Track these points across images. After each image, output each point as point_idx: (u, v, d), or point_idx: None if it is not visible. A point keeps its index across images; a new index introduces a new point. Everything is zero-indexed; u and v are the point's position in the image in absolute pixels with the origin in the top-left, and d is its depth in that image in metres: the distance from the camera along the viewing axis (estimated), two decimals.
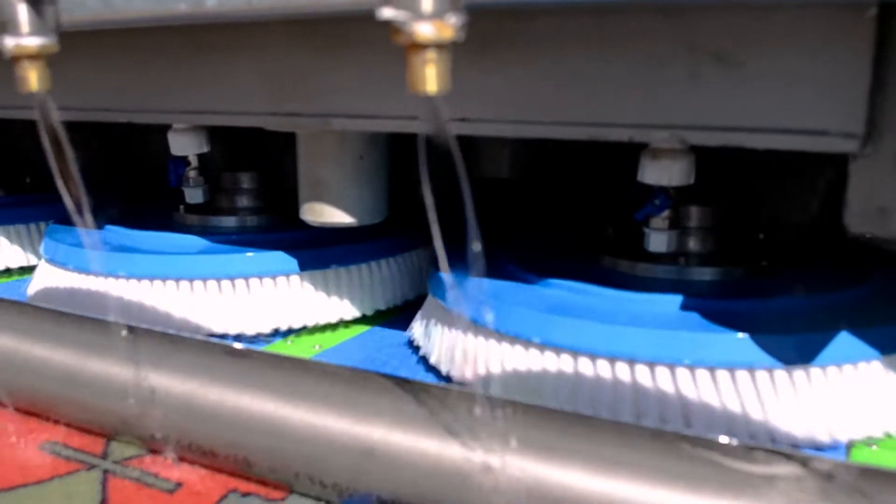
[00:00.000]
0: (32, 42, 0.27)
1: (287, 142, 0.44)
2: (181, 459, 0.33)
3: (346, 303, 0.48)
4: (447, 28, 0.21)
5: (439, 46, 0.21)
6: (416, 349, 0.44)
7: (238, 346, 0.34)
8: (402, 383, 0.30)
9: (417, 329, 0.45)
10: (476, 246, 0.26)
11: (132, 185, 0.70)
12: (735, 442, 0.26)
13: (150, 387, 0.33)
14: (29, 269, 0.61)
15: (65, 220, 0.57)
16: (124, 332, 0.35)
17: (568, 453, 0.27)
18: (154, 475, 0.33)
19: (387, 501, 0.29)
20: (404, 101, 0.36)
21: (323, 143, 0.41)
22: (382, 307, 0.50)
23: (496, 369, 0.38)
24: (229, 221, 0.53)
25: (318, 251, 0.47)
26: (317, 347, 0.45)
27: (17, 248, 0.62)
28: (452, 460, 0.28)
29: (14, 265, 0.62)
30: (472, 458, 0.27)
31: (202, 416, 0.32)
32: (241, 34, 0.38)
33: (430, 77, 0.21)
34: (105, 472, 0.33)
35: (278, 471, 0.31)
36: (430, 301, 0.44)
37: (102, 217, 0.55)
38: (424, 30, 0.20)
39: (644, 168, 0.38)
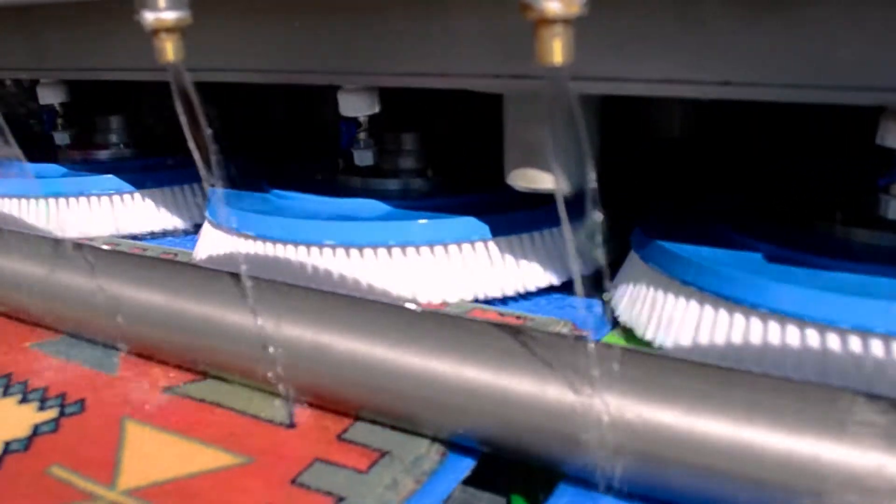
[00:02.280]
0: (169, 16, 0.29)
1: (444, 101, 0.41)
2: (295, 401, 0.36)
3: (538, 270, 0.46)
4: (574, 4, 0.22)
5: (566, 21, 0.23)
6: (614, 315, 0.42)
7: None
8: (505, 327, 0.31)
9: (618, 293, 0.43)
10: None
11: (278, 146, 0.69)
12: None
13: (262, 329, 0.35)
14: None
15: (229, 183, 0.56)
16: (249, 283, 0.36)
17: (674, 393, 0.27)
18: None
19: (491, 440, 0.31)
20: (658, 62, 0.34)
21: (541, 107, 0.39)
22: (583, 273, 0.47)
23: (715, 337, 0.36)
24: (394, 184, 0.52)
25: (509, 215, 0.45)
26: None
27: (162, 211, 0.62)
28: (560, 400, 0.28)
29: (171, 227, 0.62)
30: (579, 398, 0.28)
31: (316, 359, 0.34)
32: None
33: (557, 49, 0.23)
34: None
35: (389, 410, 0.33)
36: (632, 261, 0.42)
37: (264, 180, 0.54)
38: (553, 6, 0.22)
39: (887, 131, 0.36)
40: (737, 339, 0.35)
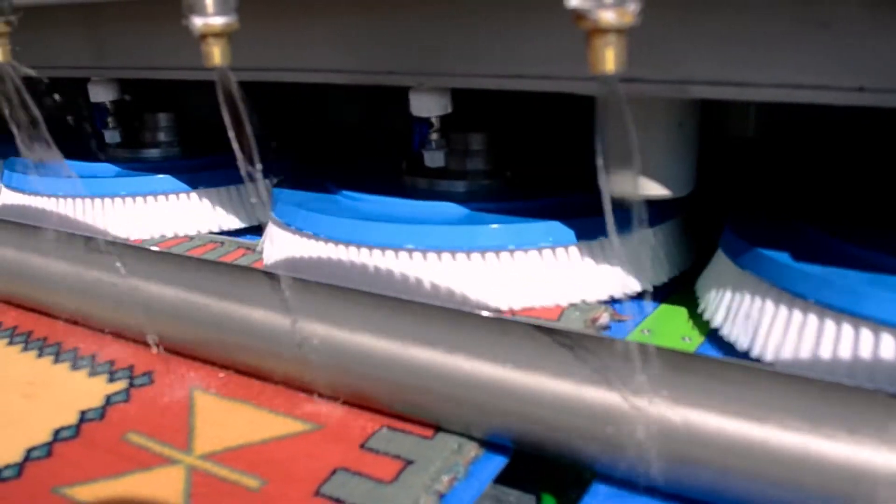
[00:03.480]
0: (217, 21, 0.29)
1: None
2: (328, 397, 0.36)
3: (624, 276, 0.45)
4: (628, 14, 0.23)
5: (619, 31, 0.23)
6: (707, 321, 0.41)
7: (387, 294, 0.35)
8: (543, 328, 0.31)
9: (712, 300, 0.42)
10: None
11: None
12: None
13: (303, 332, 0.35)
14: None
15: (287, 182, 0.55)
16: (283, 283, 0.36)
17: (712, 395, 0.27)
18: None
19: (526, 440, 0.31)
20: (776, 68, 0.33)
21: (644, 111, 0.37)
22: (664, 279, 0.46)
23: (833, 351, 0.34)
24: (470, 186, 0.50)
25: (593, 219, 0.44)
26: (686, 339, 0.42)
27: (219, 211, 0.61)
28: (599, 400, 0.29)
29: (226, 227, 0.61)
30: (619, 398, 0.28)
31: (353, 359, 0.34)
32: None
33: (610, 58, 0.23)
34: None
35: (425, 409, 0.33)
36: (727, 269, 0.41)
37: (328, 181, 0.53)
38: (608, 17, 0.23)
39: None
40: (857, 353, 0.33)
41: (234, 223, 0.61)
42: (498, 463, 0.32)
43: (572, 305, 0.44)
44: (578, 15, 0.23)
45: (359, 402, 0.35)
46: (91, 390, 0.40)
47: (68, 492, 0.32)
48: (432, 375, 0.32)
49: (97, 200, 0.58)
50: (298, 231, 0.48)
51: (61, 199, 0.59)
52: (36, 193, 0.61)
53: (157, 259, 0.42)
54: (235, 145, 0.31)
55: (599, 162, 0.40)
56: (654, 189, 0.39)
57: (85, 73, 0.58)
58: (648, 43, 0.34)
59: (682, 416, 0.27)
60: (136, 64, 0.53)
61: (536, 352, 0.31)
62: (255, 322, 0.37)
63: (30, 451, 0.35)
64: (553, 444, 0.30)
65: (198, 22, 0.29)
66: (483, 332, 0.32)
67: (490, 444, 0.32)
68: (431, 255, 0.44)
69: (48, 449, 0.35)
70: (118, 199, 0.58)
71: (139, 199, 0.58)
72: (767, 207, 0.44)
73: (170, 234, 0.59)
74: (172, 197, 0.59)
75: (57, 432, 0.36)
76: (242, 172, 0.32)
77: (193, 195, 0.59)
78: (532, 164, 0.54)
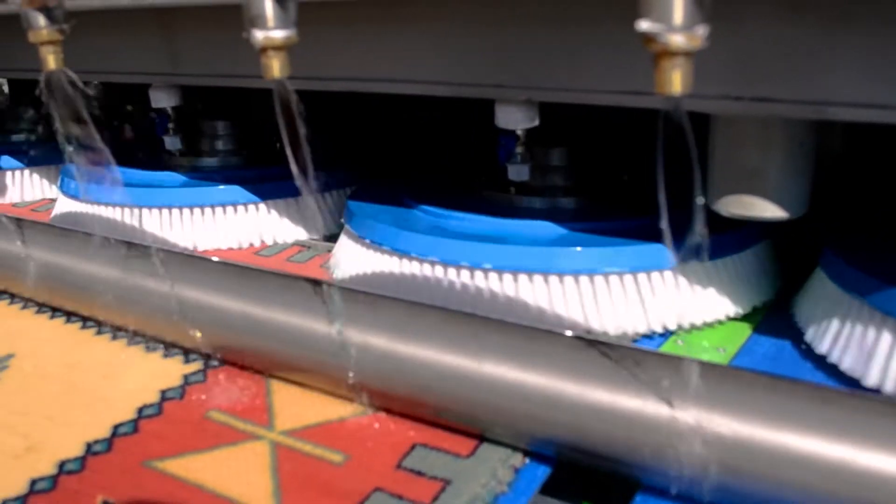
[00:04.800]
0: (278, 34, 0.30)
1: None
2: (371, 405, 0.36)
3: (724, 299, 0.43)
4: (696, 38, 0.23)
5: (687, 54, 0.23)
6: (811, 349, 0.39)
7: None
8: (589, 340, 0.31)
9: (816, 327, 0.40)
10: None
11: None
12: None
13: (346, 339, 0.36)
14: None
15: (360, 195, 0.54)
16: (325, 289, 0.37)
17: (759, 408, 0.28)
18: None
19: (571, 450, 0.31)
20: None
21: (763, 129, 0.36)
22: (760, 302, 0.45)
23: None
24: (536, 202, 0.49)
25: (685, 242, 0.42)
26: (721, 351, 0.41)
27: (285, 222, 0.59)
28: (647, 412, 0.29)
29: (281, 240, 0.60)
30: (666, 409, 0.29)
31: (400, 369, 0.35)
32: None
33: (677, 80, 0.24)
34: None
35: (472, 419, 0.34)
36: (830, 293, 0.39)
37: (405, 195, 0.52)
38: (677, 40, 0.23)
39: None
40: None
41: (301, 234, 0.60)
42: (542, 472, 0.32)
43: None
44: (648, 38, 0.23)
45: (405, 412, 0.36)
46: (168, 371, 0.41)
47: (158, 465, 0.34)
48: (480, 385, 0.33)
49: (156, 210, 0.57)
50: (375, 245, 0.47)
51: (121, 209, 0.58)
52: (95, 202, 0.60)
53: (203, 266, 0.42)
54: (291, 157, 0.31)
55: (698, 182, 0.39)
56: (772, 211, 0.37)
57: (154, 80, 0.57)
58: (784, 59, 0.32)
59: (730, 428, 0.28)
60: (210, 71, 0.52)
61: (583, 363, 0.31)
62: (299, 330, 0.38)
63: (116, 427, 0.37)
64: (598, 454, 0.30)
65: (259, 35, 0.30)
66: (530, 343, 0.33)
67: (533, 454, 0.33)
68: (518, 276, 0.42)
69: (134, 425, 0.37)
70: (185, 210, 0.57)
71: (207, 210, 0.57)
72: (865, 228, 0.43)
73: (235, 246, 0.58)
74: (241, 209, 0.58)
75: (140, 410, 0.38)
76: (299, 184, 0.32)
77: (262, 206, 0.58)
78: (621, 183, 0.53)
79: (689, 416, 0.28)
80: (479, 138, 0.55)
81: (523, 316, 0.41)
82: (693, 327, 0.43)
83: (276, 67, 0.30)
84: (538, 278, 0.42)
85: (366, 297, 0.37)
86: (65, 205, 0.64)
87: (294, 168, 0.31)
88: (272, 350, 0.39)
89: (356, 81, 0.45)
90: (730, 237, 0.43)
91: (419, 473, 0.32)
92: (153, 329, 0.44)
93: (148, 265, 0.43)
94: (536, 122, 0.46)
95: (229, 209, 0.57)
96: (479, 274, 0.43)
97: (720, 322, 0.43)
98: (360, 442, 0.34)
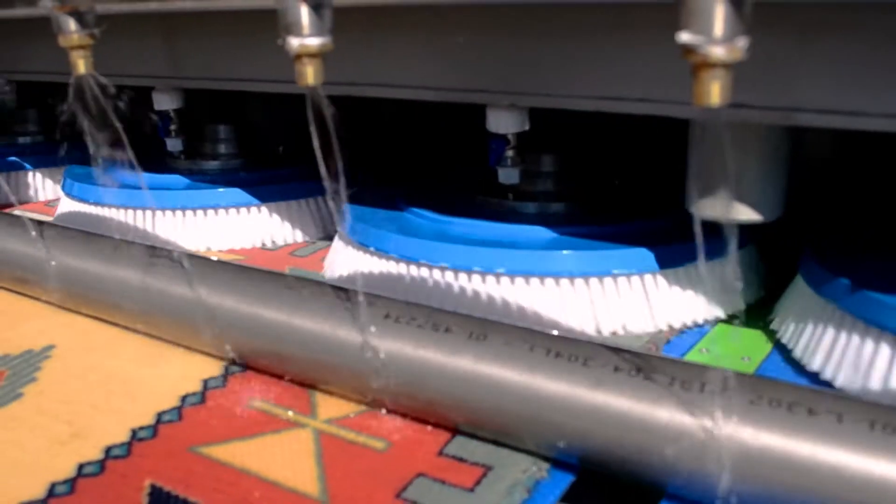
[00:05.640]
0: (313, 42, 0.30)
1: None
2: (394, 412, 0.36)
3: (705, 302, 0.44)
4: (737, 50, 0.23)
5: (726, 66, 0.23)
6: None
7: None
8: (612, 349, 0.32)
9: (791, 330, 0.41)
10: None
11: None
12: None
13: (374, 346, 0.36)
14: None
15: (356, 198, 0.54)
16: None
17: (784, 419, 0.28)
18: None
19: (594, 458, 0.31)
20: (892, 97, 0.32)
21: (740, 134, 0.37)
22: (745, 305, 0.46)
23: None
24: (530, 207, 0.50)
25: (679, 246, 0.43)
26: (745, 360, 0.41)
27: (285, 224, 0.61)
28: (671, 421, 0.29)
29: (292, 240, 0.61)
30: (691, 418, 0.29)
31: (425, 376, 0.34)
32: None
33: (716, 92, 0.24)
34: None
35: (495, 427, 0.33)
36: (807, 298, 0.40)
37: (398, 198, 0.53)
38: (717, 52, 0.23)
39: None
40: None
41: (300, 237, 0.61)
42: (565, 481, 0.32)
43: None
44: (688, 49, 0.23)
45: (429, 419, 0.36)
46: (209, 361, 0.42)
47: (204, 450, 0.35)
48: (504, 393, 0.33)
49: (160, 212, 0.59)
50: (366, 248, 0.48)
51: (125, 210, 0.60)
52: (98, 203, 0.62)
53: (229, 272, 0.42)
54: (322, 163, 0.31)
55: (690, 186, 0.40)
56: (747, 213, 0.38)
57: (157, 83, 0.58)
58: (756, 67, 0.33)
59: (754, 437, 0.28)
60: (218, 76, 0.53)
61: (608, 372, 0.31)
62: (324, 336, 0.37)
63: (160, 414, 0.38)
64: (622, 462, 0.30)
65: (294, 42, 0.30)
66: (552, 349, 0.32)
67: (555, 462, 0.33)
68: (515, 280, 0.43)
69: (178, 413, 0.38)
70: (188, 212, 0.58)
71: (210, 211, 0.59)
72: (846, 233, 0.44)
73: (237, 247, 0.59)
74: (243, 210, 0.59)
75: (183, 398, 0.39)
76: (329, 189, 0.32)
77: (264, 209, 0.59)
78: (614, 187, 0.54)
79: (718, 425, 0.28)
80: (479, 144, 0.56)
81: (505, 315, 0.43)
82: (685, 327, 0.44)
83: (310, 74, 0.31)
84: (520, 280, 0.43)
85: (393, 303, 0.37)
86: (67, 205, 0.65)
87: (323, 172, 0.32)
88: (299, 357, 0.39)
89: (347, 86, 0.46)
90: (716, 241, 0.44)
91: (461, 460, 0.33)
92: (180, 337, 0.44)
93: (177, 273, 0.43)
94: (527, 127, 0.48)
95: (231, 211, 0.59)
96: (463, 276, 0.44)
97: (719, 324, 0.44)
98: (400, 431, 0.35)
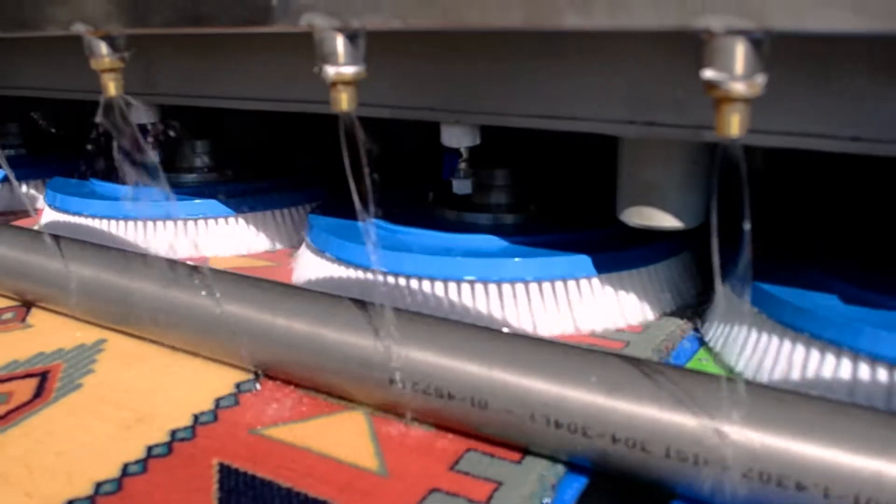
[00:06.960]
0: (349, 70, 0.32)
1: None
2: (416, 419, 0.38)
3: (643, 306, 0.48)
4: (756, 86, 0.25)
5: (746, 100, 0.25)
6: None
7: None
8: (627, 358, 0.33)
9: (715, 334, 0.45)
10: None
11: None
12: None
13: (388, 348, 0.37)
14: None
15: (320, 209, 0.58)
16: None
17: (790, 422, 0.29)
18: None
19: (608, 462, 0.33)
20: (784, 116, 0.35)
21: (661, 149, 0.41)
22: (673, 308, 0.50)
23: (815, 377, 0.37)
24: (484, 219, 0.53)
25: (622, 253, 0.47)
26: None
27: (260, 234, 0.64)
28: (683, 426, 0.30)
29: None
30: (701, 423, 0.30)
31: (442, 385, 0.36)
32: (604, 43, 0.38)
33: (735, 123, 0.26)
34: None
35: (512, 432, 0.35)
36: (731, 303, 0.44)
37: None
38: (738, 88, 0.25)
39: None
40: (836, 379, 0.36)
41: (268, 246, 0.65)
42: (579, 483, 0.34)
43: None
44: (711, 85, 0.25)
45: (448, 426, 0.37)
46: None
47: (265, 432, 0.37)
48: (518, 399, 0.34)
49: (141, 223, 0.62)
50: (324, 254, 0.52)
51: (107, 221, 0.63)
52: (80, 214, 0.65)
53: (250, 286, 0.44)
54: (353, 186, 0.33)
55: (619, 196, 0.43)
56: (669, 221, 0.42)
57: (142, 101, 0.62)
58: (666, 89, 0.37)
59: (762, 441, 0.29)
60: (191, 93, 0.57)
61: (622, 379, 0.33)
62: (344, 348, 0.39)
63: (218, 400, 0.40)
64: (635, 466, 0.32)
65: (330, 71, 0.32)
66: (569, 360, 0.34)
67: (570, 465, 0.35)
68: (479, 287, 0.47)
69: (234, 398, 0.41)
70: (168, 222, 0.62)
71: (190, 222, 0.62)
72: (769, 243, 0.47)
73: (210, 256, 0.63)
74: (221, 221, 0.63)
75: (238, 385, 0.42)
76: (360, 213, 0.35)
77: (241, 220, 0.63)
78: (555, 199, 0.58)
79: (720, 426, 0.30)
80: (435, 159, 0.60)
81: (462, 318, 0.46)
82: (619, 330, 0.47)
83: (344, 101, 0.33)
84: (465, 286, 0.47)
85: (411, 315, 0.39)
86: (50, 216, 0.69)
87: (355, 194, 0.34)
88: (316, 367, 0.40)
89: (311, 104, 0.49)
90: (652, 248, 0.48)
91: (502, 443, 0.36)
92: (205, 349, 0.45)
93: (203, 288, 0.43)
94: (478, 141, 0.51)
95: (210, 221, 0.63)
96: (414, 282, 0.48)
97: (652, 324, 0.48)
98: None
